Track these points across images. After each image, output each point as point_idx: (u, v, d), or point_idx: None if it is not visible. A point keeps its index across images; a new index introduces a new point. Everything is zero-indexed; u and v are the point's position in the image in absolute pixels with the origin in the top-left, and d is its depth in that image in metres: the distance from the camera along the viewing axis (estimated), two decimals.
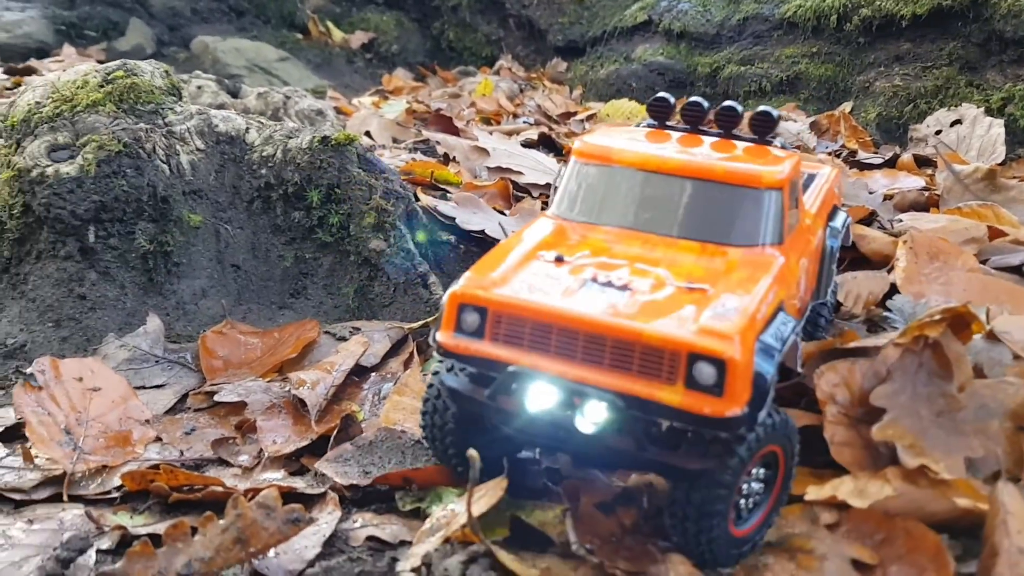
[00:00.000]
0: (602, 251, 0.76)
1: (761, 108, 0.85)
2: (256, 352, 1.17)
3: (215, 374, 1.11)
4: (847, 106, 2.54)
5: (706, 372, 0.63)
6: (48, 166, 1.21)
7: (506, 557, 0.70)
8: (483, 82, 3.23)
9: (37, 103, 1.31)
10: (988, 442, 0.89)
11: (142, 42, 3.65)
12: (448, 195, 1.56)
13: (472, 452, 0.70)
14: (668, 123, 0.89)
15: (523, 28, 4.02)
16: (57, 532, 0.74)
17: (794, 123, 2.34)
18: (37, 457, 0.88)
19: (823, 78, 2.61)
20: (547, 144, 2.32)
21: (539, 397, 0.67)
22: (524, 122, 2.61)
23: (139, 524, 0.78)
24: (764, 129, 0.85)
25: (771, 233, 0.77)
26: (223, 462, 0.93)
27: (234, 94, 2.54)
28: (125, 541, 0.75)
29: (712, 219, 0.77)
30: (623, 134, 0.88)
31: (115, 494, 0.84)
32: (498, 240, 1.40)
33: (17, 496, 0.82)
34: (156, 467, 0.86)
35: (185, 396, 1.08)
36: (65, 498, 0.82)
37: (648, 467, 0.72)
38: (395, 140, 2.37)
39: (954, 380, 0.94)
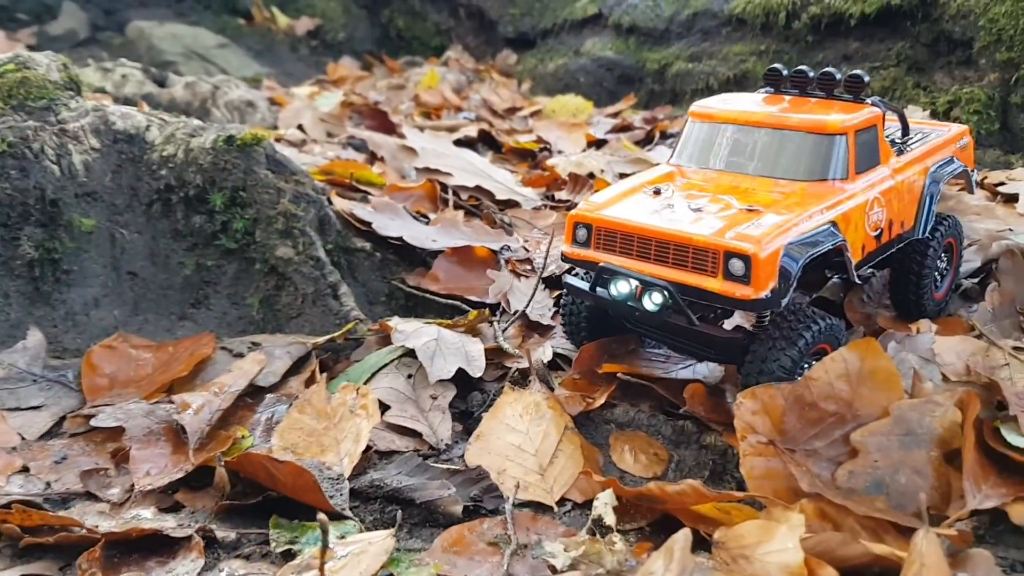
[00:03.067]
0: (694, 186, 0.99)
1: (854, 71, 1.05)
2: (146, 369, 1.08)
3: (98, 394, 1.03)
4: None
5: (737, 266, 0.85)
6: None
7: None
8: (429, 73, 3.14)
9: None
10: (915, 476, 0.84)
11: (75, 27, 3.51)
12: (370, 197, 1.48)
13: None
14: (781, 89, 1.09)
15: (474, 18, 3.93)
16: None
17: None
18: None
19: None
20: (487, 141, 2.23)
21: (620, 286, 0.91)
22: (465, 117, 2.53)
23: None
24: (856, 89, 1.05)
25: (839, 170, 0.97)
26: (91, 496, 0.85)
27: (161, 83, 2.44)
28: None
29: (788, 160, 0.98)
30: (736, 98, 1.10)
31: None
32: (416, 248, 1.32)
33: None
34: (8, 506, 0.78)
35: (63, 419, 1.00)
36: None
37: (693, 336, 0.95)
38: (329, 134, 2.28)
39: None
